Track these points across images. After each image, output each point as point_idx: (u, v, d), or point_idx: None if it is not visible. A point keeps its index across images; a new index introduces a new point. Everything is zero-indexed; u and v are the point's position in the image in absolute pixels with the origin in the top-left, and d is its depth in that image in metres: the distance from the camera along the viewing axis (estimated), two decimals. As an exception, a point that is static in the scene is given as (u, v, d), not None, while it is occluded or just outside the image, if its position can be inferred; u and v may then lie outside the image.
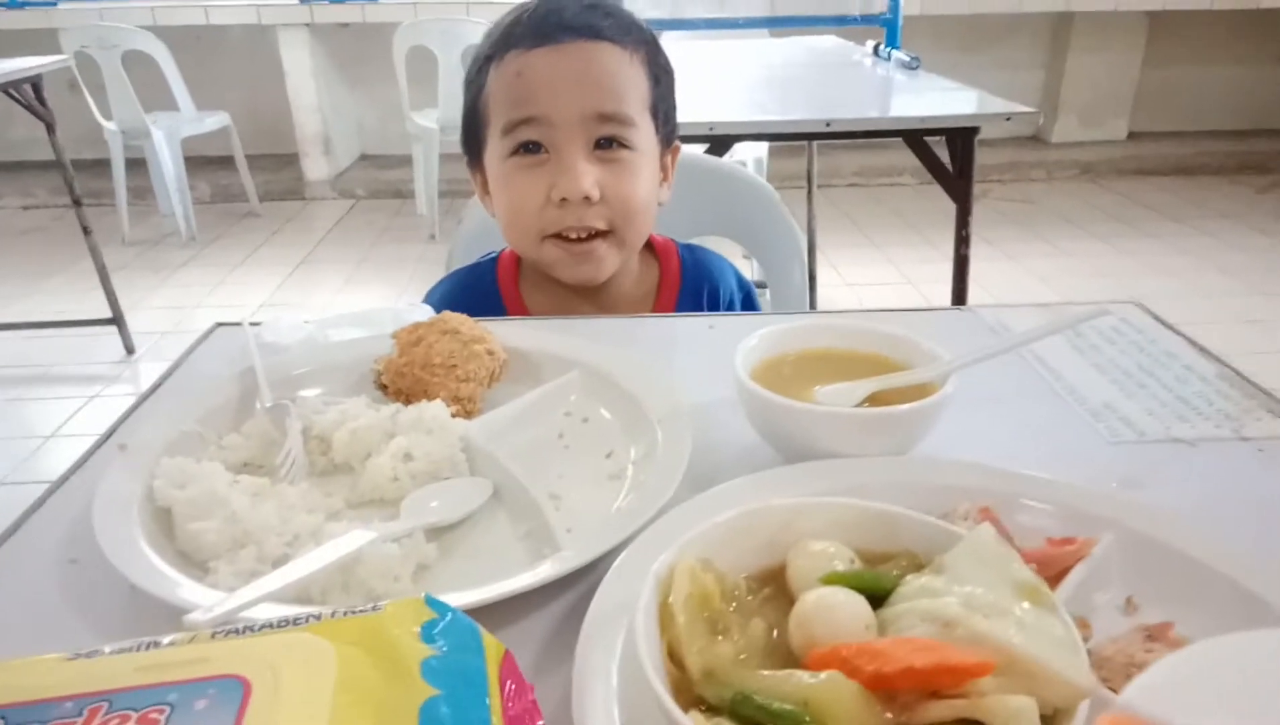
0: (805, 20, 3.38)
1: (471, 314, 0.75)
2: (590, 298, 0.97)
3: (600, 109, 0.85)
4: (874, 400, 0.60)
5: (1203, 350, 0.77)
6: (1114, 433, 0.66)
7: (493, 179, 0.92)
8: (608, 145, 0.87)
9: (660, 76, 0.91)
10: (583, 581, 0.50)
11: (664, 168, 0.96)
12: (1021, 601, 0.35)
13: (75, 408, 2.71)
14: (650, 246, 1.03)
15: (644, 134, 0.89)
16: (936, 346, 0.62)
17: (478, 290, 1.01)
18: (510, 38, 0.86)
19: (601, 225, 0.88)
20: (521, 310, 0.99)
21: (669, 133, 0.95)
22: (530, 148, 0.87)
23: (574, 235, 0.89)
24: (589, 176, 0.85)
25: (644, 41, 0.90)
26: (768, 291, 1.28)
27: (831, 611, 0.36)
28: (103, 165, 4.03)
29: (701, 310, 1.01)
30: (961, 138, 1.84)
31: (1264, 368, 0.72)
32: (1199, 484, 0.61)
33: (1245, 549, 0.47)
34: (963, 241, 1.97)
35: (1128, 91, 5.04)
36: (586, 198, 0.85)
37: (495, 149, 0.89)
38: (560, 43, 0.84)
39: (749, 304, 1.07)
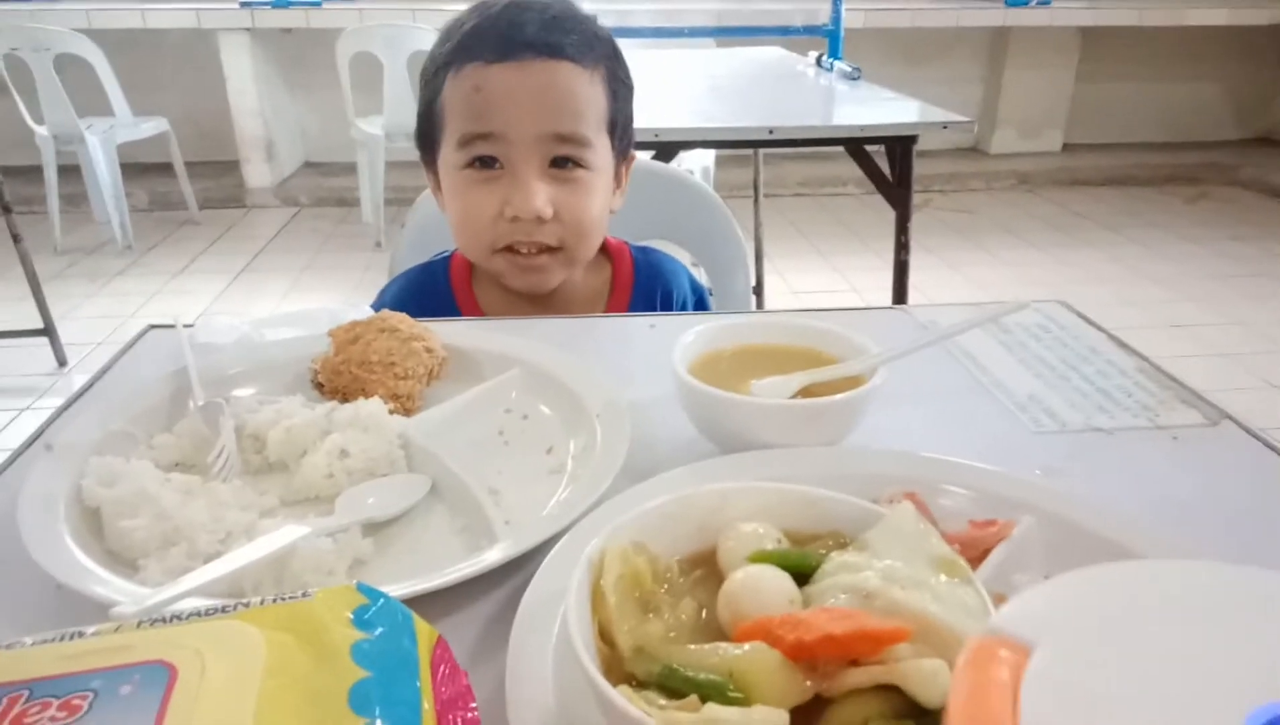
0: (750, 31, 3.43)
1: (425, 314, 0.75)
2: (542, 299, 0.98)
3: (557, 130, 0.85)
4: (807, 392, 0.61)
5: (1123, 345, 0.81)
6: (1038, 423, 0.68)
7: (446, 186, 0.92)
8: (563, 164, 0.87)
9: (619, 91, 0.92)
10: (520, 573, 0.50)
11: (618, 177, 0.97)
12: (939, 574, 0.37)
13: (5, 421, 2.63)
14: (604, 248, 1.03)
15: (600, 152, 0.89)
16: (867, 341, 0.63)
17: (431, 290, 1.01)
18: (470, 48, 0.85)
19: (552, 242, 0.89)
20: (475, 310, 0.99)
21: (625, 145, 0.96)
22: (485, 161, 0.87)
23: (524, 249, 0.89)
24: (542, 195, 0.85)
25: (605, 56, 0.89)
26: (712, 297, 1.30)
27: (758, 587, 0.37)
28: (34, 171, 3.91)
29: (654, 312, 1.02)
30: (900, 146, 1.89)
31: (1191, 370, 0.75)
32: (1117, 470, 0.63)
33: (1160, 531, 0.49)
34: (902, 247, 2.01)
35: (1062, 105, 5.20)
36: (539, 216, 0.86)
37: (450, 157, 0.89)
38: (520, 60, 0.84)
39: (701, 307, 1.08)
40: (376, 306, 0.99)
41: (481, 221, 0.88)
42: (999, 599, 0.42)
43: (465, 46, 0.86)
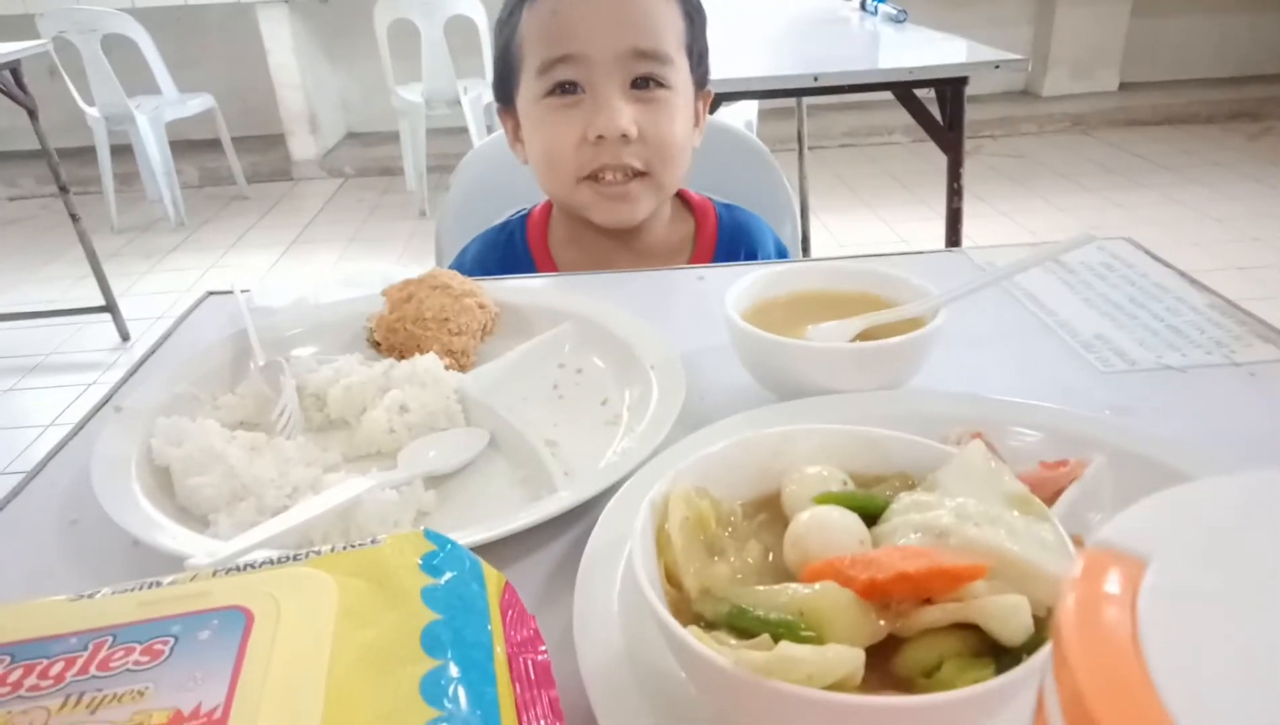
0: (790, -22, 3.33)
1: (503, 272, 0.74)
2: (623, 251, 0.97)
3: (637, 45, 0.84)
4: (865, 336, 0.60)
5: (1193, 281, 0.78)
6: (1106, 363, 0.66)
7: (527, 120, 0.91)
8: (644, 84, 0.86)
9: (694, 16, 0.90)
10: (581, 521, 0.50)
11: (696, 113, 0.95)
12: (1013, 511, 0.36)
13: (73, 396, 2.72)
14: (688, 203, 1.02)
15: (680, 72, 0.88)
16: (925, 283, 0.62)
17: (508, 249, 1.00)
18: None
19: (638, 164, 0.88)
20: (551, 267, 0.99)
21: (702, 75, 0.94)
22: (567, 88, 0.86)
23: (610, 176, 0.88)
24: (626, 114, 0.84)
25: None
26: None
27: (825, 528, 0.36)
28: (88, 152, 4.00)
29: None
30: (951, 88, 1.83)
31: (1258, 311, 0.72)
32: (1192, 409, 0.61)
33: (1241, 466, 0.48)
34: (955, 194, 1.96)
35: (1117, 42, 5.00)
36: (624, 135, 0.84)
37: (530, 90, 0.88)
38: None
39: None
40: (456, 267, 0.99)
41: (565, 149, 0.87)
42: (1074, 539, 0.41)
43: None
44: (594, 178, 0.88)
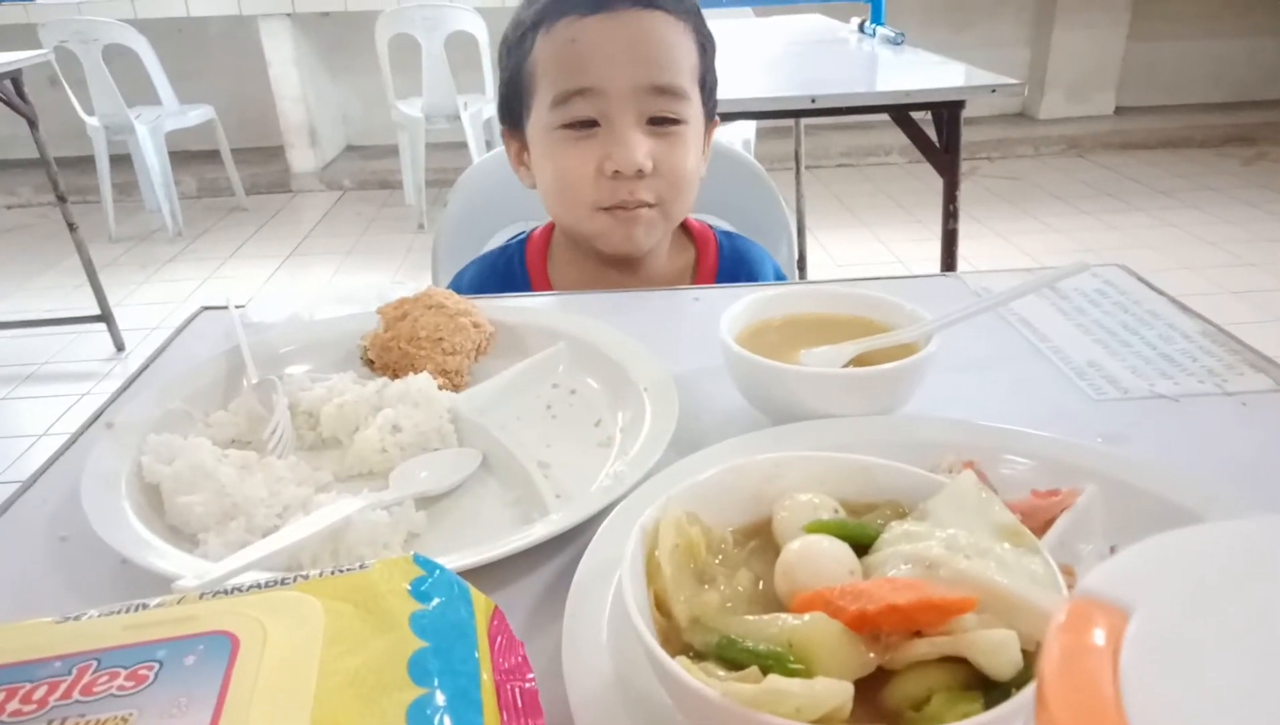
0: (789, -1, 3.37)
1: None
2: (624, 280, 0.96)
3: (655, 81, 0.84)
4: (859, 361, 0.60)
5: (1186, 309, 0.78)
6: (1098, 390, 0.66)
7: (537, 147, 0.90)
8: (660, 120, 0.86)
9: (706, 47, 0.90)
10: (572, 545, 0.50)
11: (703, 142, 0.95)
12: (1003, 543, 0.36)
13: (67, 406, 2.71)
14: (688, 232, 1.02)
15: (694, 106, 0.88)
16: (919, 308, 0.62)
17: (506, 272, 1.00)
18: (562, 4, 0.84)
19: (650, 198, 0.88)
20: (547, 291, 0.98)
21: (712, 107, 0.94)
22: (583, 125, 0.85)
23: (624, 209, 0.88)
24: (642, 148, 0.84)
25: (691, 11, 0.88)
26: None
27: (816, 558, 0.36)
28: (87, 162, 4.01)
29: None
30: (948, 111, 1.84)
31: (1252, 336, 0.72)
32: (1183, 438, 0.61)
33: (1233, 497, 0.48)
34: (950, 216, 1.97)
35: (1113, 66, 5.04)
36: (639, 170, 0.84)
37: (543, 118, 0.88)
38: (614, 11, 0.83)
39: None
40: (453, 288, 0.99)
41: (581, 181, 0.87)
42: (1065, 570, 0.41)
43: (557, 3, 0.85)
44: (607, 208, 0.88)
